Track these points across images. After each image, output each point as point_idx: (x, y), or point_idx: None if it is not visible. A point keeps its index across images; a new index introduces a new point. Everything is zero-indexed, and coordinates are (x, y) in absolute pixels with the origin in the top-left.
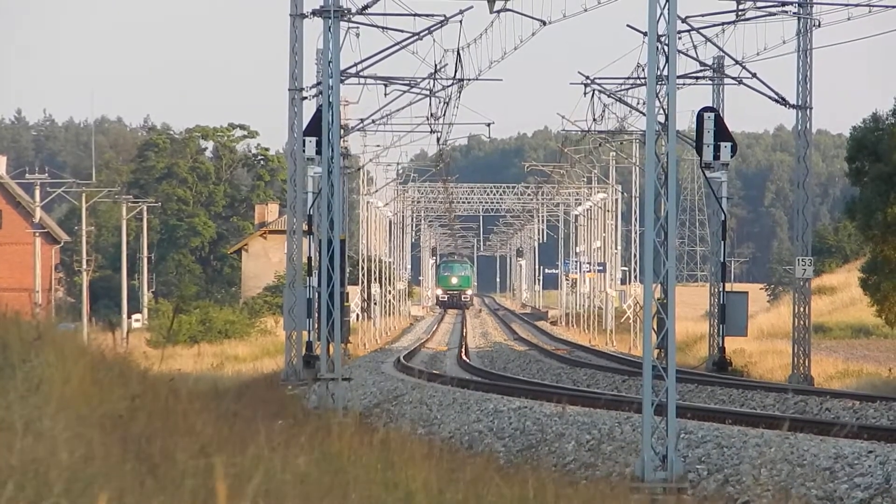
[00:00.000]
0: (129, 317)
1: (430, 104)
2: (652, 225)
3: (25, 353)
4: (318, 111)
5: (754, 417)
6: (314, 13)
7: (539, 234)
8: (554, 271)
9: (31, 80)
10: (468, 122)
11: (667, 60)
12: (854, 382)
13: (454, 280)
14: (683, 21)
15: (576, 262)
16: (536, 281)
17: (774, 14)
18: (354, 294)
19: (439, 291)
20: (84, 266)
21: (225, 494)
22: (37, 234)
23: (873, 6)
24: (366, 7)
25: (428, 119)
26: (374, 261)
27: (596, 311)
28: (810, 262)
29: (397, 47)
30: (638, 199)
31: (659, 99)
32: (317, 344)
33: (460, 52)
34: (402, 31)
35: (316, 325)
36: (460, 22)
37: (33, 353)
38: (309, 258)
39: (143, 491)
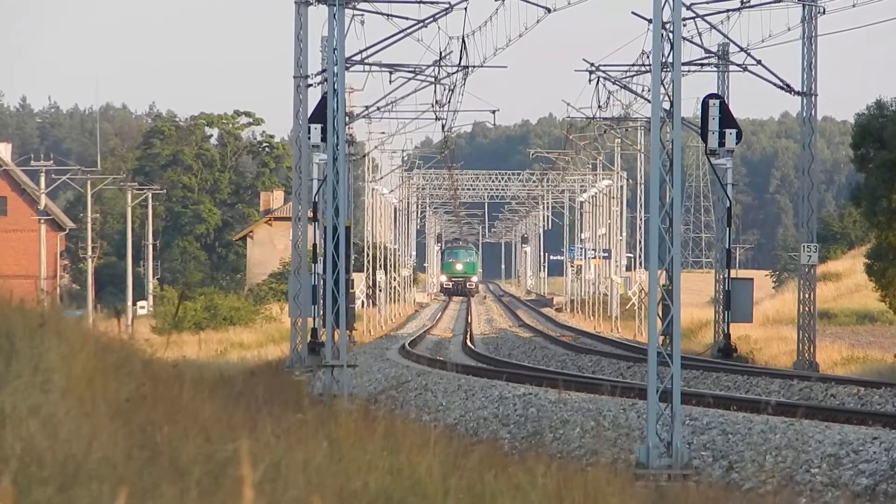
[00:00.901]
0: (134, 304)
1: (435, 91)
2: (657, 211)
3: (30, 339)
4: (323, 98)
5: (759, 404)
6: (319, 0)
7: (544, 220)
8: (559, 258)
9: (36, 68)
10: (473, 109)
11: (672, 47)
12: (859, 369)
13: (459, 267)
14: (688, 8)
15: (581, 248)
16: (541, 268)
17: (779, 1)
18: (359, 281)
19: (444, 278)
20: (89, 253)
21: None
22: (42, 222)
23: None
24: None
25: (433, 106)
26: (379, 248)
27: (601, 298)
28: (815, 249)
29: (402, 34)
30: (643, 186)
31: (664, 86)
32: (322, 331)
33: (465, 39)
34: (406, 18)
35: (321, 312)
36: (465, 9)
37: (38, 339)
38: (314, 245)
39: (148, 478)
